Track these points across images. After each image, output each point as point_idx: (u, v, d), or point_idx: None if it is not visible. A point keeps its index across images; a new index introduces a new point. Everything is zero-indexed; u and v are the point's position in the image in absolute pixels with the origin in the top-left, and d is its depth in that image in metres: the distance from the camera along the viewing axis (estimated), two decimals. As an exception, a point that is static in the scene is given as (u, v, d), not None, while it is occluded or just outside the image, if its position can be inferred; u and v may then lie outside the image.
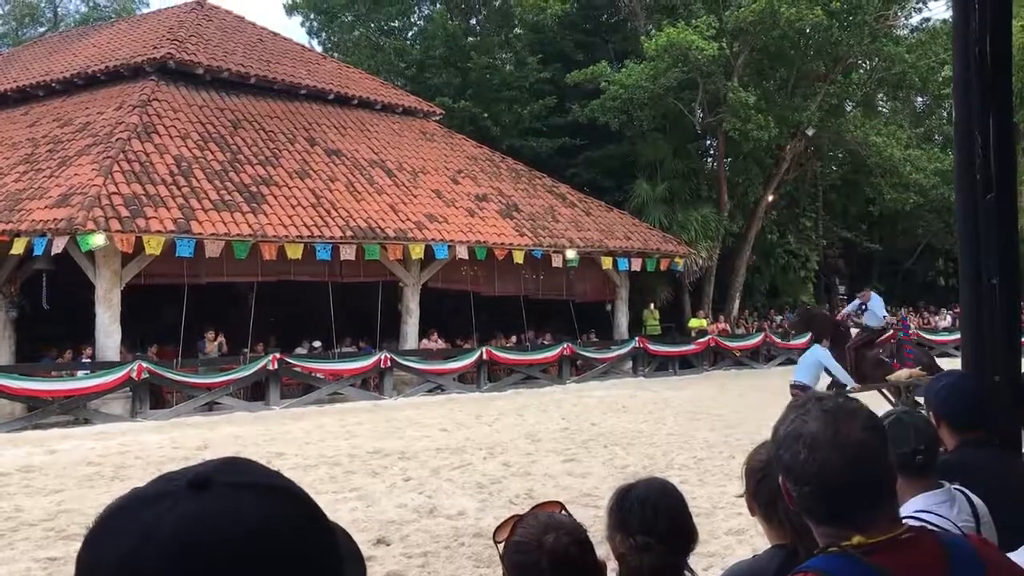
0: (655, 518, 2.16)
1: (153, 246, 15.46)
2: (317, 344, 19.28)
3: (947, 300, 31.74)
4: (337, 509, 8.47)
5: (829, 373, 12.43)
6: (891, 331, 14.86)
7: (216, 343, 18.35)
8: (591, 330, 23.86)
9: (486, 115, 29.41)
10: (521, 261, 20.71)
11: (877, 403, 11.20)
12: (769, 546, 2.24)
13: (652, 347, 23.39)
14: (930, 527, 1.83)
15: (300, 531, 0.77)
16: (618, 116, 26.64)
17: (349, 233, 18.01)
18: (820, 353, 12.18)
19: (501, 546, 1.95)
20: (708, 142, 30.24)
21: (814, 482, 1.57)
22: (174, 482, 0.77)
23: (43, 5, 42.66)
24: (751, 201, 28.92)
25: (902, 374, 13.07)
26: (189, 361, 17.02)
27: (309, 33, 36.50)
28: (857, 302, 15.63)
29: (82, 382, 15.35)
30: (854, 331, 14.89)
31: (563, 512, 2.05)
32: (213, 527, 0.73)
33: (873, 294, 15.11)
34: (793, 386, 11.46)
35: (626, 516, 2.19)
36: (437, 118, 26.18)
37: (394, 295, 19.92)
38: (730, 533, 7.69)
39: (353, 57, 31.61)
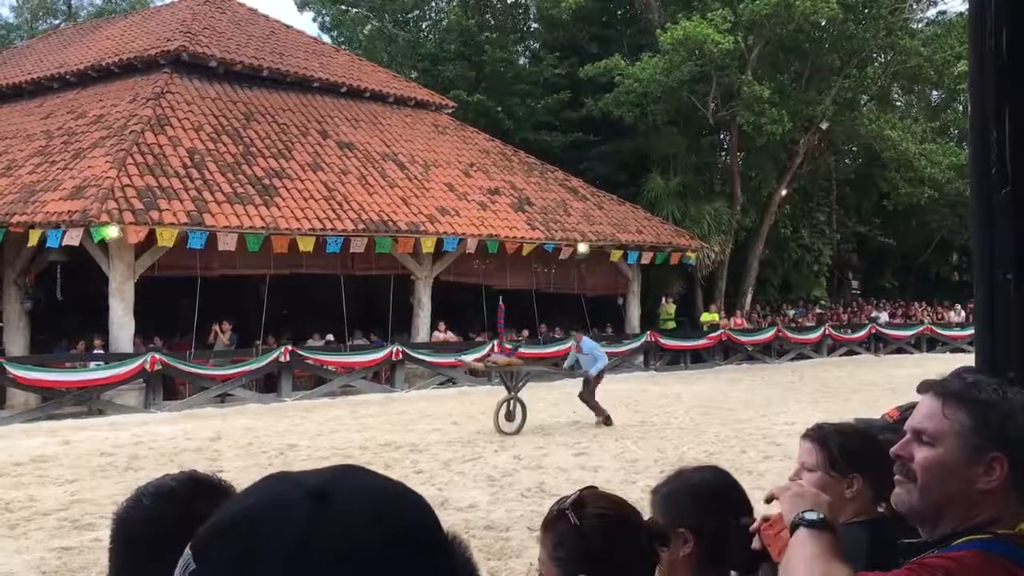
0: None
1: (166, 238, 15.52)
2: (329, 337, 19.34)
3: (961, 295, 31.56)
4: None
5: None
6: None
7: (227, 334, 18.39)
8: (607, 324, 23.80)
9: (499, 109, 29.36)
10: (533, 255, 20.68)
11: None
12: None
13: (664, 341, 23.36)
14: None
15: (430, 539, 0.73)
16: (632, 110, 26.56)
17: (361, 226, 18.04)
18: None
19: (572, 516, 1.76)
20: (722, 136, 30.13)
21: None
22: (292, 493, 0.70)
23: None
24: (764, 195, 28.81)
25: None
26: (202, 353, 17.10)
27: (321, 28, 36.50)
28: None
29: (96, 373, 15.44)
30: None
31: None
32: (343, 541, 0.67)
33: None
34: None
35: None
36: (450, 111, 26.16)
37: (406, 288, 19.95)
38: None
39: (367, 50, 31.59)
